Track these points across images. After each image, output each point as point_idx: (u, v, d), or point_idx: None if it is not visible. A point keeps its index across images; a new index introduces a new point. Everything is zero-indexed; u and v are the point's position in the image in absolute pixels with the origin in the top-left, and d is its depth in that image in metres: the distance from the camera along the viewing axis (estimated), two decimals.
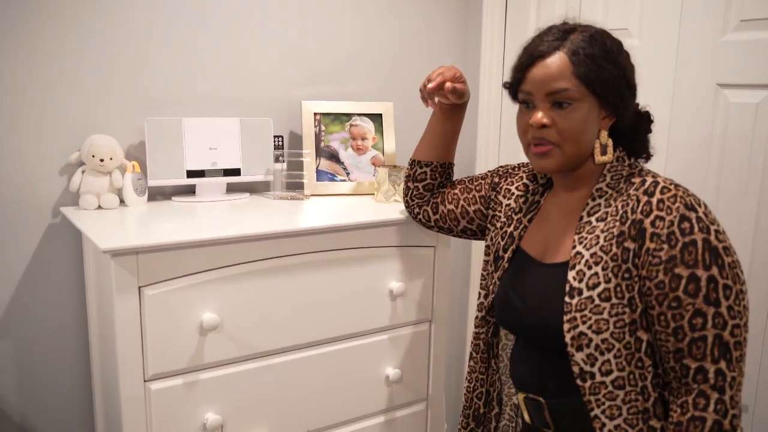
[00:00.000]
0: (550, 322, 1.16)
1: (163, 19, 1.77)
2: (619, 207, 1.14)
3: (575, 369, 1.13)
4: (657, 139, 1.76)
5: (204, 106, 1.86)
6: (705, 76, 1.67)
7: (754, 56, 1.57)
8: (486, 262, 1.39)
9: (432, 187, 1.54)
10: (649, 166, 1.25)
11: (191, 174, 1.77)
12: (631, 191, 1.14)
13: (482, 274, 1.40)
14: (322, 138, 1.95)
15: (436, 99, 1.49)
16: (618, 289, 1.11)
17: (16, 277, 1.68)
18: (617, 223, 1.13)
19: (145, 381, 1.37)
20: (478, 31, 2.26)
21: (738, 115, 1.62)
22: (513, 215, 1.34)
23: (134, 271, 1.32)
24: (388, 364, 1.71)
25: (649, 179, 1.13)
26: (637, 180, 1.15)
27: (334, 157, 1.96)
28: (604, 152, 1.18)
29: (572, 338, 1.12)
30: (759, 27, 1.56)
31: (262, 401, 1.53)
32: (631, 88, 1.19)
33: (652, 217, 1.08)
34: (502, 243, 1.33)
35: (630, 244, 1.10)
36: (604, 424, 1.12)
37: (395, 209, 1.71)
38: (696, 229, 1.05)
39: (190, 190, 1.84)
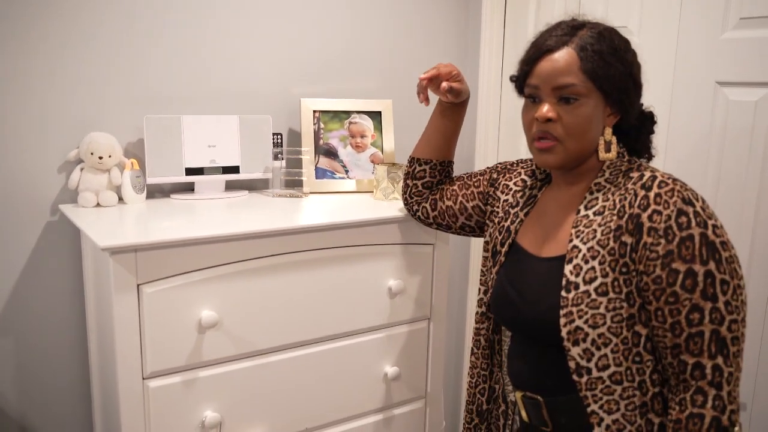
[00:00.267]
0: (546, 316, 1.16)
1: (163, 16, 1.77)
2: (617, 201, 1.14)
3: (571, 364, 1.12)
4: (656, 136, 1.77)
5: (203, 104, 1.86)
6: (704, 74, 1.67)
7: (754, 54, 1.57)
8: (485, 258, 1.39)
9: (431, 185, 1.54)
10: (649, 163, 1.25)
11: (190, 171, 1.77)
12: (629, 185, 1.14)
13: (482, 270, 1.40)
14: (321, 135, 1.95)
15: (438, 98, 1.50)
16: (615, 283, 1.11)
17: (15, 274, 1.68)
18: (614, 217, 1.12)
19: (143, 378, 1.37)
20: (478, 29, 2.26)
21: (737, 113, 1.62)
22: (510, 210, 1.34)
23: (133, 268, 1.32)
24: (387, 362, 1.71)
25: (647, 173, 1.13)
26: (635, 174, 1.15)
27: (333, 154, 1.96)
28: (608, 149, 1.18)
29: (568, 333, 1.12)
30: (758, 25, 1.56)
31: (261, 399, 1.53)
32: (637, 86, 1.19)
33: (649, 211, 1.08)
34: (499, 238, 1.33)
35: (627, 239, 1.10)
36: (602, 419, 1.12)
37: (394, 207, 1.71)
38: (693, 223, 1.05)
39: (189, 188, 1.84)
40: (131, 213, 1.61)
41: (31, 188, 1.67)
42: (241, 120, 1.83)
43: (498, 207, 1.39)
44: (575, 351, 1.12)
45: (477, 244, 2.33)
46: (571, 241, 1.16)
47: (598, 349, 1.11)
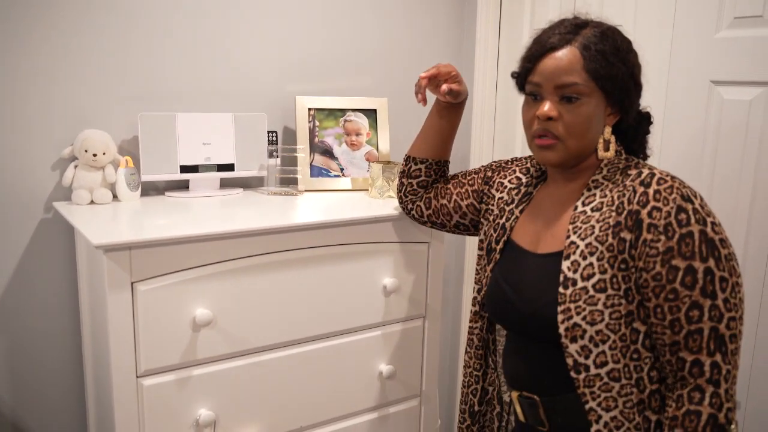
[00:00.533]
0: (543, 312, 1.15)
1: (158, 13, 1.76)
2: (615, 197, 1.14)
3: (569, 361, 1.12)
4: (651, 135, 1.77)
5: (198, 101, 1.86)
6: (699, 73, 1.68)
7: (748, 53, 1.58)
8: (480, 256, 1.39)
9: (426, 184, 1.54)
10: (639, 158, 1.25)
11: (185, 169, 1.77)
12: (627, 182, 1.14)
13: (476, 269, 1.40)
14: (317, 133, 1.95)
15: (436, 98, 1.50)
16: (614, 280, 1.10)
17: (8, 272, 1.67)
18: (613, 213, 1.12)
19: (137, 377, 1.37)
20: (473, 28, 2.26)
21: (731, 112, 1.62)
22: (505, 207, 1.34)
23: (127, 266, 1.32)
24: (382, 360, 1.71)
25: (646, 170, 1.13)
26: (633, 172, 1.15)
27: (328, 152, 1.96)
28: (606, 148, 1.19)
29: (566, 329, 1.12)
30: (752, 24, 1.56)
31: (255, 397, 1.53)
32: (637, 86, 1.20)
33: (648, 207, 1.08)
34: (494, 235, 1.33)
35: (626, 235, 1.10)
36: (600, 416, 1.12)
37: (389, 205, 1.71)
38: (693, 220, 1.05)
39: (184, 186, 1.84)
40: (125, 211, 1.60)
41: (25, 185, 1.66)
42: (236, 117, 1.83)
43: (493, 205, 1.38)
44: (573, 348, 1.12)
45: (472, 242, 2.33)
46: (568, 237, 1.16)
47: (596, 346, 1.11)
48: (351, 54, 2.09)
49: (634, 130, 1.24)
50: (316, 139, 1.95)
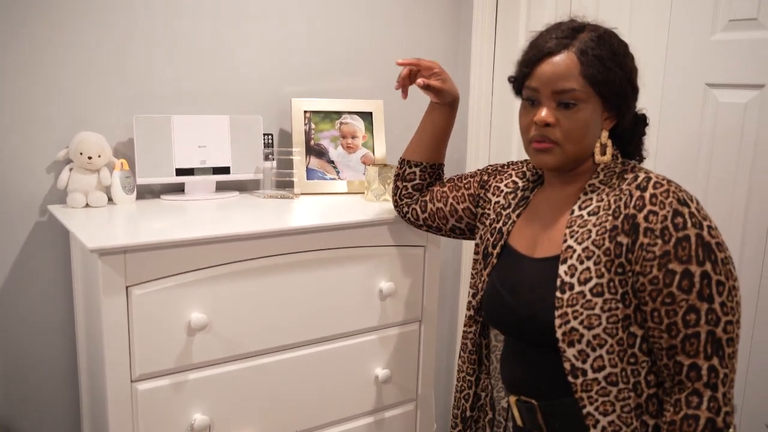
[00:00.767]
0: (541, 317, 1.15)
1: (153, 16, 1.76)
2: (612, 201, 1.14)
3: (567, 365, 1.12)
4: (647, 138, 1.77)
5: (193, 104, 1.85)
6: (694, 75, 1.68)
7: (743, 56, 1.58)
8: (475, 260, 1.39)
9: (421, 187, 1.54)
10: (635, 162, 1.25)
11: (180, 172, 1.76)
12: (624, 186, 1.14)
13: (472, 273, 1.39)
14: (312, 136, 1.95)
15: (429, 100, 1.50)
16: (611, 284, 1.10)
17: (2, 276, 1.66)
18: (610, 218, 1.12)
19: (132, 381, 1.37)
20: (469, 31, 2.26)
21: (727, 115, 1.62)
22: (502, 211, 1.34)
23: (122, 270, 1.31)
24: (378, 364, 1.70)
25: (642, 175, 1.13)
26: (629, 176, 1.15)
27: (324, 155, 1.95)
28: (603, 152, 1.19)
29: (563, 334, 1.11)
30: (747, 27, 1.56)
31: (251, 402, 1.52)
32: (634, 90, 1.20)
33: (645, 211, 1.08)
34: (491, 239, 1.33)
35: (623, 239, 1.10)
36: (597, 421, 1.11)
37: (385, 208, 1.71)
38: (689, 224, 1.05)
39: (179, 189, 1.83)
40: (121, 214, 1.60)
41: (20, 188, 1.66)
42: (232, 120, 1.82)
43: (489, 209, 1.38)
44: (570, 352, 1.12)
45: (468, 246, 2.33)
46: (565, 241, 1.16)
47: (594, 350, 1.10)
48: (347, 56, 2.09)
49: (630, 133, 1.24)
50: (312, 142, 1.95)
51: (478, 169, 1.48)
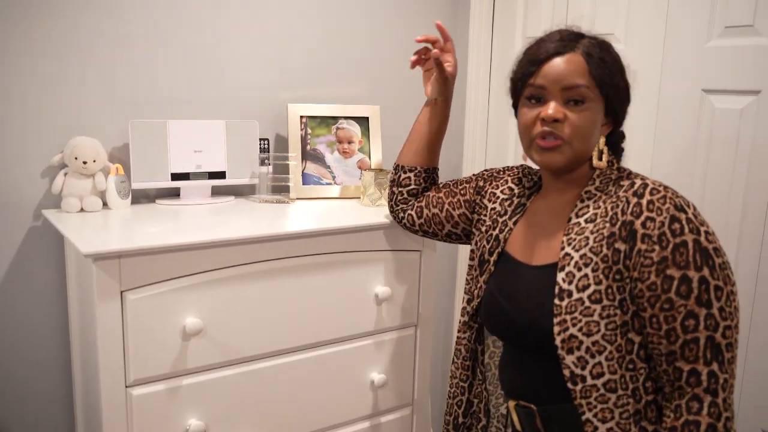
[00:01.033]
0: (539, 324, 1.15)
1: (149, 21, 1.76)
2: (609, 208, 1.14)
3: (566, 372, 1.12)
4: (643, 143, 1.78)
5: (189, 109, 1.85)
6: (690, 81, 1.68)
7: (739, 62, 1.58)
8: (470, 266, 1.38)
9: (416, 192, 1.53)
10: (635, 170, 1.25)
11: (176, 177, 1.76)
12: (621, 193, 1.14)
13: (467, 279, 1.39)
14: (308, 141, 1.95)
15: (423, 104, 1.50)
16: (609, 290, 1.10)
17: None
18: (607, 224, 1.12)
19: (126, 386, 1.36)
20: (466, 36, 2.26)
21: (723, 121, 1.62)
22: (498, 218, 1.34)
23: (116, 275, 1.31)
24: (374, 369, 1.70)
25: (638, 181, 1.13)
26: (626, 182, 1.16)
27: (320, 160, 1.95)
28: (600, 158, 1.19)
29: (563, 341, 1.11)
30: (743, 33, 1.57)
31: (246, 407, 1.51)
32: (629, 100, 1.22)
33: (642, 218, 1.08)
34: (487, 246, 1.32)
35: (621, 246, 1.10)
36: (596, 428, 1.11)
37: (381, 213, 1.71)
38: (686, 230, 1.05)
39: (175, 193, 1.83)
40: (116, 218, 1.59)
41: (14, 193, 1.65)
42: (228, 125, 1.82)
43: (485, 215, 1.38)
44: (569, 359, 1.11)
45: (464, 251, 2.33)
46: (562, 248, 1.16)
47: (593, 356, 1.10)
48: (343, 62, 2.09)
49: (614, 146, 1.25)
50: (308, 147, 1.94)
51: (474, 174, 1.48)
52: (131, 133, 1.69)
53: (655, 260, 1.06)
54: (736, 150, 1.60)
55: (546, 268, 1.18)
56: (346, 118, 1.99)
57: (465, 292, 1.38)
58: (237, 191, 1.93)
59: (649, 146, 1.77)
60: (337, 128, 1.98)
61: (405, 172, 1.53)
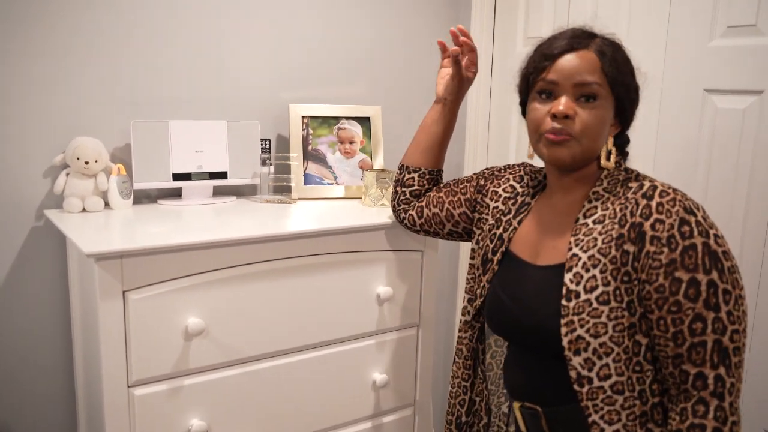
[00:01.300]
0: (545, 324, 1.15)
1: (151, 22, 1.76)
2: (617, 210, 1.13)
3: (572, 374, 1.11)
4: (645, 143, 1.77)
5: (191, 109, 1.85)
6: (692, 81, 1.68)
7: (741, 62, 1.58)
8: (472, 265, 1.38)
9: (419, 193, 1.53)
10: (638, 170, 1.25)
11: (177, 177, 1.76)
12: (629, 195, 1.13)
13: (467, 278, 1.39)
14: (310, 141, 1.94)
15: (431, 105, 1.51)
16: (617, 292, 1.10)
17: None
18: (616, 226, 1.12)
19: (128, 386, 1.36)
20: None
21: (725, 121, 1.62)
22: (501, 217, 1.33)
23: (118, 275, 1.31)
24: (376, 369, 1.70)
25: (647, 183, 1.13)
26: (634, 184, 1.15)
27: (321, 160, 1.95)
28: (608, 158, 1.18)
29: (570, 342, 1.11)
30: (745, 33, 1.57)
31: (248, 407, 1.51)
32: (638, 102, 1.21)
33: (651, 220, 1.07)
34: (490, 245, 1.32)
35: (629, 247, 1.09)
36: (602, 430, 1.11)
37: (383, 213, 1.71)
38: (696, 232, 1.05)
39: (176, 194, 1.83)
40: (117, 219, 1.59)
41: (16, 193, 1.65)
42: (230, 125, 1.82)
43: (487, 214, 1.38)
44: (577, 360, 1.11)
45: (466, 251, 2.33)
46: (570, 249, 1.15)
47: (600, 358, 1.10)
48: (344, 62, 2.09)
49: (620, 149, 1.24)
50: (310, 147, 1.94)
51: (475, 173, 1.47)
52: (133, 134, 1.69)
53: (663, 262, 1.06)
54: (738, 150, 1.60)
55: (552, 268, 1.18)
56: (347, 118, 1.99)
57: (466, 291, 1.38)
58: (238, 191, 1.93)
59: (652, 146, 1.77)
60: (339, 128, 1.98)
61: (409, 173, 1.53)
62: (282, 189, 1.91)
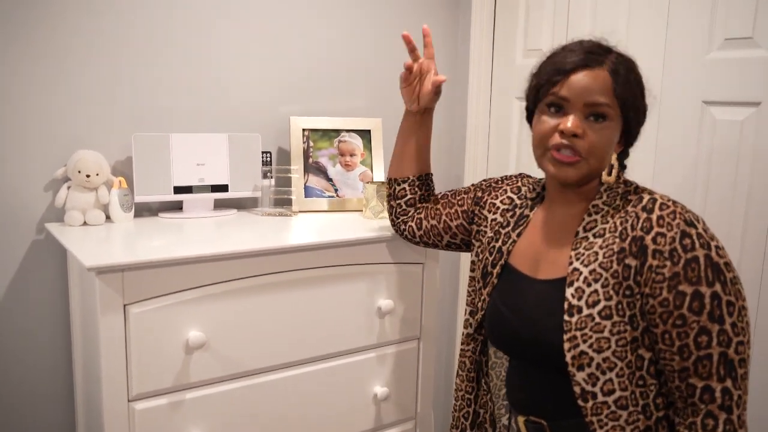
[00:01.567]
0: (546, 337, 1.14)
1: (152, 35, 1.77)
2: (618, 223, 1.13)
3: (576, 389, 1.11)
4: (644, 155, 1.78)
5: (192, 122, 1.86)
6: (691, 93, 1.69)
7: (739, 74, 1.59)
8: (472, 278, 1.38)
9: (414, 202, 1.53)
10: (637, 182, 1.25)
11: (178, 190, 1.76)
12: (629, 208, 1.13)
13: (468, 290, 1.39)
14: (311, 154, 1.95)
15: (404, 112, 1.53)
16: (619, 306, 1.10)
17: (0, 293, 1.66)
18: (617, 240, 1.12)
19: (129, 401, 1.35)
20: (467, 48, 2.27)
21: (724, 132, 1.63)
22: (500, 230, 1.33)
23: (119, 288, 1.31)
24: (377, 382, 1.69)
25: (646, 196, 1.13)
26: (634, 197, 1.15)
27: (322, 173, 1.95)
28: (609, 173, 1.18)
29: (573, 357, 1.10)
30: (743, 45, 1.57)
31: (249, 421, 1.51)
32: (643, 122, 1.20)
33: (653, 233, 1.07)
34: (490, 258, 1.32)
35: (631, 261, 1.09)
36: None
37: (383, 226, 1.71)
38: (697, 245, 1.05)
39: (177, 207, 1.83)
40: (119, 232, 1.59)
41: (17, 206, 1.65)
42: (230, 138, 1.82)
43: (485, 226, 1.38)
44: (580, 376, 1.10)
45: (466, 263, 2.33)
46: (571, 263, 1.15)
47: (603, 373, 1.09)
48: (345, 74, 2.10)
49: (619, 163, 1.24)
50: (311, 160, 1.95)
51: (472, 185, 1.47)
52: (134, 147, 1.70)
53: (666, 276, 1.05)
54: (737, 161, 1.60)
55: (553, 282, 1.18)
56: (348, 131, 2.00)
57: (467, 304, 1.37)
58: (239, 204, 1.94)
59: (651, 158, 1.77)
60: (339, 141, 1.99)
61: (399, 184, 1.53)
62: (283, 202, 1.91)
